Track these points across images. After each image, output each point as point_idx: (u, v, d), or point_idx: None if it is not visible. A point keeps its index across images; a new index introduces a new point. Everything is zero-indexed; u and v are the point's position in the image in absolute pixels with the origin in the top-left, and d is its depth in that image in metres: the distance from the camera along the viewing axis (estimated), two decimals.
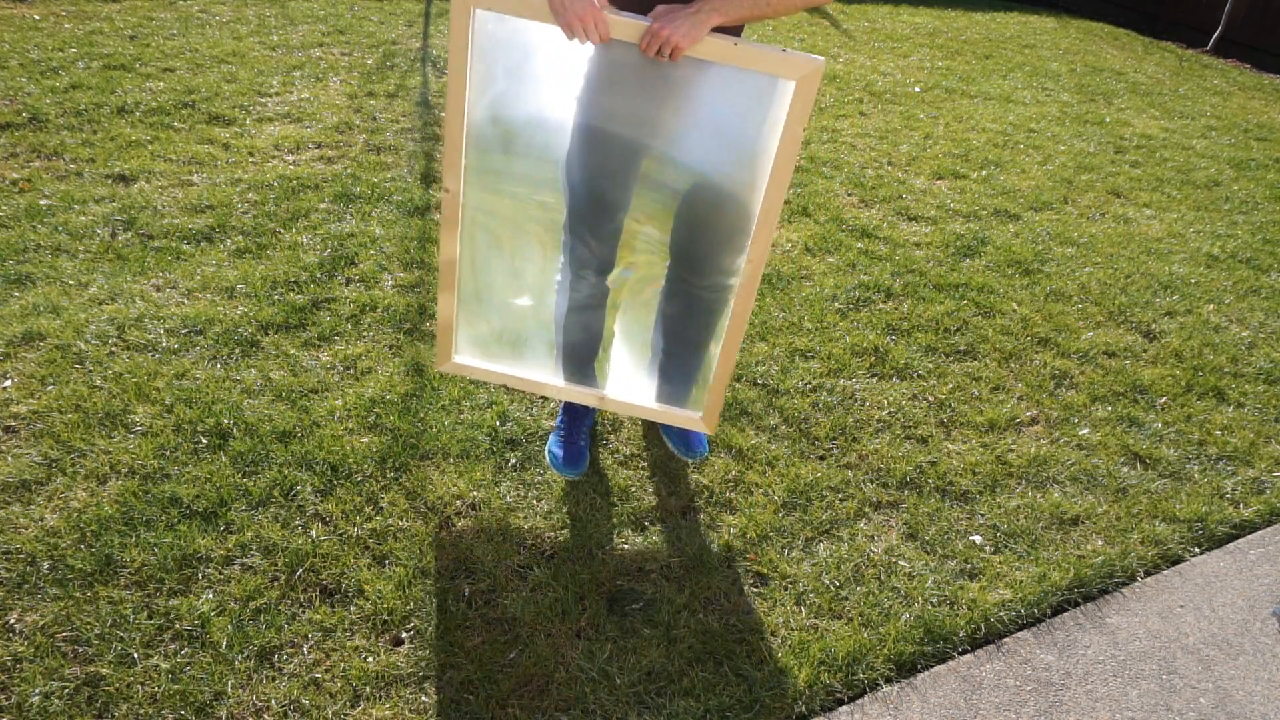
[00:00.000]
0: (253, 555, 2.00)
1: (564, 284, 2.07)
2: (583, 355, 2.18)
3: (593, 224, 1.95)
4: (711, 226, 1.93)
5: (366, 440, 2.35)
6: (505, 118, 1.87)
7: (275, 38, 5.45)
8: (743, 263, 1.95)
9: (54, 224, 3.17)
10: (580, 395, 2.24)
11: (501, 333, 2.20)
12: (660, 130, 1.81)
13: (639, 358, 2.24)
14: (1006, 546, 2.27)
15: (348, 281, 3.05)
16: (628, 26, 1.67)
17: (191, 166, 3.72)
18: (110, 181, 3.53)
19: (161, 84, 4.50)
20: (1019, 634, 2.04)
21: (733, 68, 1.70)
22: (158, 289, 2.90)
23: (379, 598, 1.94)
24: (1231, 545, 2.38)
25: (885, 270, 3.50)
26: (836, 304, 3.24)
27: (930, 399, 2.80)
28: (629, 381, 2.25)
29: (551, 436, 2.39)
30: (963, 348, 3.07)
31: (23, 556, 1.93)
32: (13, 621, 1.80)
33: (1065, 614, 2.11)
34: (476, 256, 2.08)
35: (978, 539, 2.28)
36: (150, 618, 1.84)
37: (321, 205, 3.51)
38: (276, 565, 1.98)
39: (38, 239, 3.07)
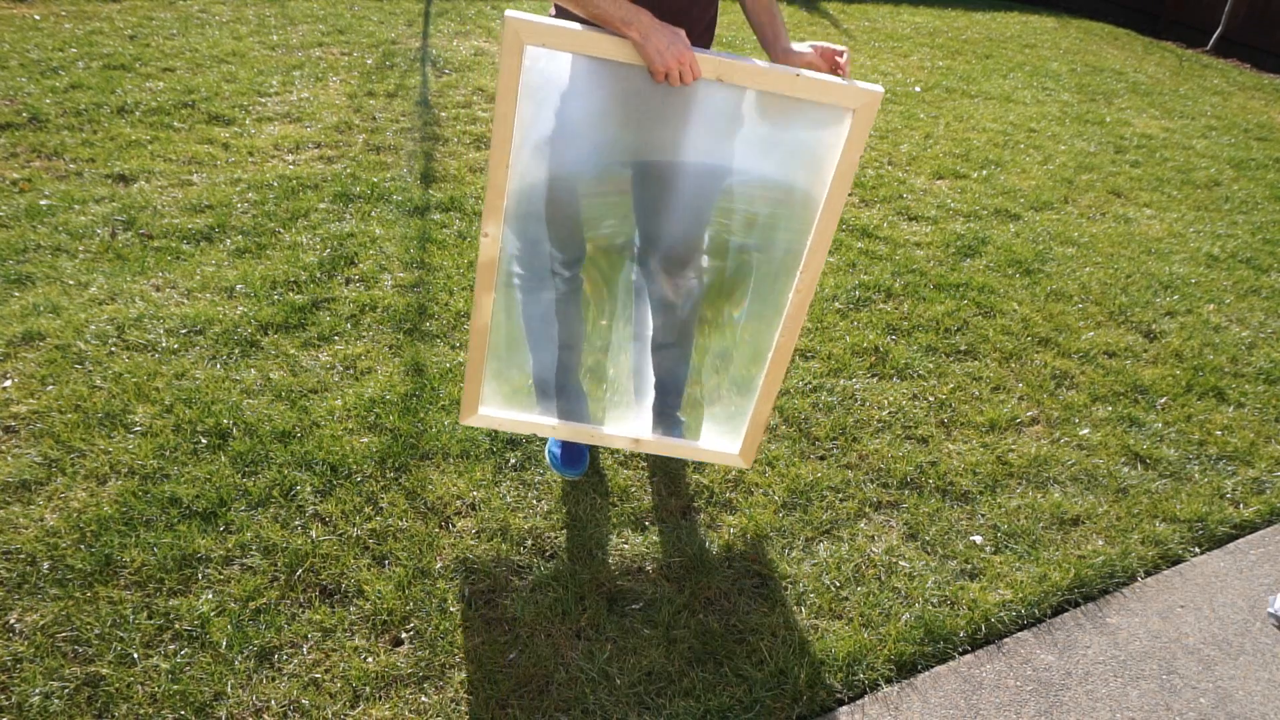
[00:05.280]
0: (253, 555, 2.00)
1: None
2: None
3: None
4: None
5: (366, 440, 2.35)
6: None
7: (275, 37, 5.45)
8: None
9: (54, 224, 3.17)
10: (613, 440, 2.20)
11: (533, 380, 2.15)
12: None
13: (647, 394, 2.22)
14: (1007, 546, 2.27)
15: (348, 281, 3.05)
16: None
17: (191, 166, 3.72)
18: (110, 181, 3.53)
19: (161, 84, 4.50)
20: (1019, 634, 2.04)
21: (794, 100, 1.70)
22: (158, 289, 2.90)
23: (379, 598, 1.93)
24: (1231, 545, 2.38)
25: (885, 270, 3.50)
26: (836, 304, 3.24)
27: (930, 399, 2.79)
28: (644, 419, 2.23)
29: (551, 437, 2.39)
30: (963, 348, 3.07)
31: (23, 556, 1.93)
32: (13, 621, 1.80)
33: (1065, 614, 2.11)
34: (512, 302, 2.03)
35: (978, 539, 2.28)
36: (150, 618, 1.83)
37: (321, 205, 3.51)
38: (276, 565, 1.98)
39: (38, 239, 3.07)
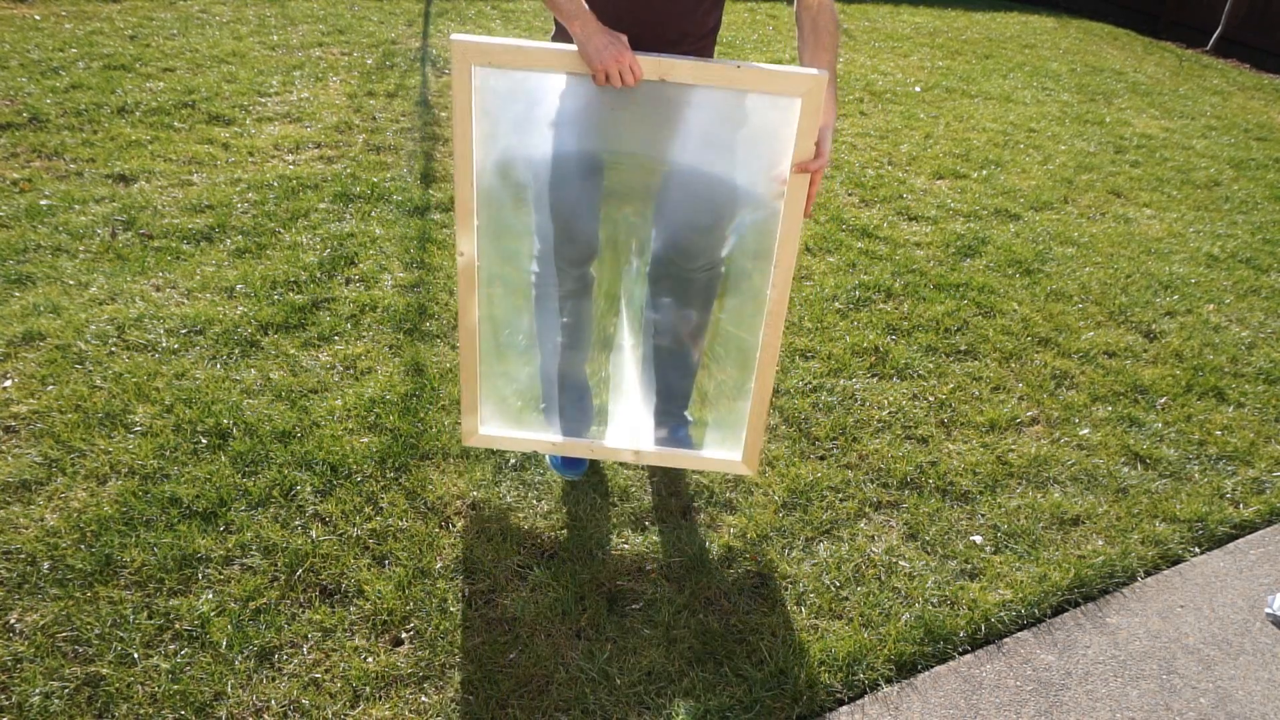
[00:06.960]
0: (253, 555, 2.00)
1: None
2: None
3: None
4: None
5: (366, 440, 2.35)
6: (515, 172, 1.88)
7: (275, 38, 5.45)
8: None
9: (54, 224, 3.17)
10: (615, 453, 2.22)
11: (528, 393, 2.18)
12: (665, 150, 1.84)
13: (648, 402, 2.23)
14: (1007, 546, 2.27)
15: (348, 281, 3.05)
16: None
17: (191, 166, 3.72)
18: (110, 181, 3.53)
19: (161, 84, 4.50)
20: (1019, 634, 2.04)
21: (742, 91, 1.74)
22: (158, 289, 2.90)
23: (379, 598, 1.94)
24: (1231, 545, 2.38)
25: (885, 270, 3.50)
26: (836, 304, 3.24)
27: (930, 399, 2.80)
28: (648, 429, 2.24)
29: None
30: (963, 348, 3.07)
31: (23, 556, 1.93)
32: (13, 621, 1.80)
33: (1065, 614, 2.11)
34: (496, 313, 2.06)
35: (978, 539, 2.28)
36: (150, 618, 1.84)
37: (321, 205, 3.51)
38: (276, 565, 1.98)
39: (38, 239, 3.07)
